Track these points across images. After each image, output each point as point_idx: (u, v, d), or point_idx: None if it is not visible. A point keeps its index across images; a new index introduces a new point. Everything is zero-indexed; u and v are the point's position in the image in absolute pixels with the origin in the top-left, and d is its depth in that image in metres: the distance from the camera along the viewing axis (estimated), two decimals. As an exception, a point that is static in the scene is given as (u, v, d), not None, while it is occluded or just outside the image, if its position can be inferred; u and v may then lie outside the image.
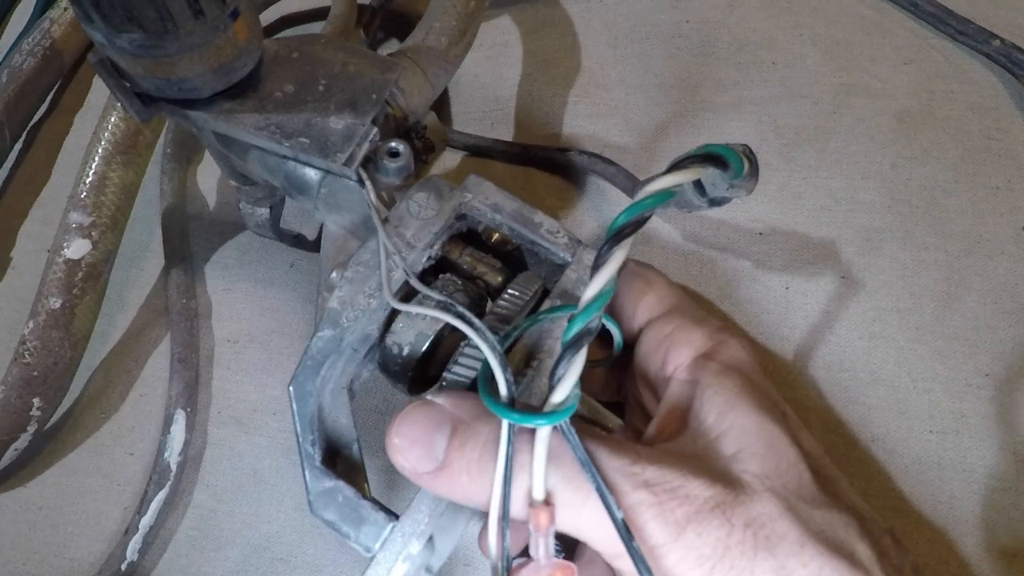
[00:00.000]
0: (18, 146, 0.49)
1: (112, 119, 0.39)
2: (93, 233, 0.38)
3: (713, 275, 0.38)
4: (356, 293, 0.27)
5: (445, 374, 0.25)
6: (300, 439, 0.26)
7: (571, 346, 0.21)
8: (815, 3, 0.45)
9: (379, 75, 0.30)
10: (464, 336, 0.24)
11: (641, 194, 0.22)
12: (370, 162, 0.29)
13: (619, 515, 0.21)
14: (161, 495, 0.36)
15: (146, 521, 0.35)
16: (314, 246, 0.42)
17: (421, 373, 0.27)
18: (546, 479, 0.22)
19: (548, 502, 0.22)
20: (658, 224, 0.40)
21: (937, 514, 0.32)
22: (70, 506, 0.37)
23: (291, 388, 0.26)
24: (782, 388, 0.35)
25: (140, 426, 0.39)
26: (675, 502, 0.22)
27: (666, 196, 0.22)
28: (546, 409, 0.21)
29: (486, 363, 0.23)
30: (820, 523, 0.23)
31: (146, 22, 0.24)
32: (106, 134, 0.39)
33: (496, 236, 0.30)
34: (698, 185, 0.27)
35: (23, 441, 0.37)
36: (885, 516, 0.32)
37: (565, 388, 0.21)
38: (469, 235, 0.30)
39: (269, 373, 0.39)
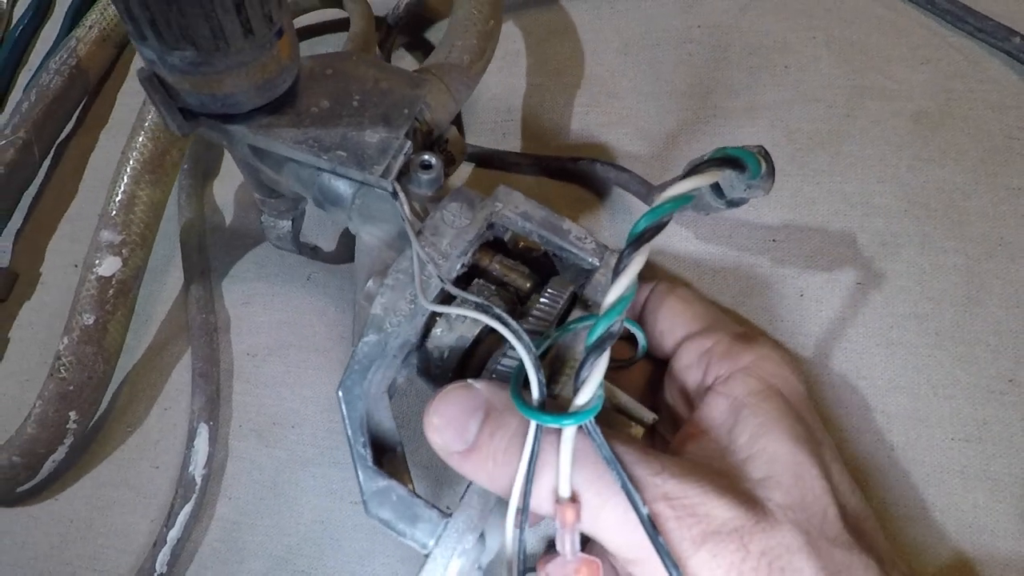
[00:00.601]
0: (46, 163, 0.50)
1: (140, 139, 0.41)
2: (123, 251, 0.40)
3: (727, 282, 0.38)
4: (398, 299, 0.28)
5: (495, 367, 0.27)
6: (352, 442, 0.27)
7: (594, 349, 0.22)
8: (829, 4, 0.44)
9: (409, 91, 0.31)
10: (502, 339, 0.26)
11: (660, 199, 0.23)
12: (403, 175, 0.30)
13: (644, 511, 0.21)
14: (187, 508, 0.36)
15: (174, 534, 0.36)
16: (331, 257, 0.43)
17: (460, 376, 0.28)
18: (572, 478, 0.22)
19: (574, 499, 0.22)
20: (670, 231, 0.40)
21: (961, 524, 0.32)
22: (100, 519, 0.38)
23: (340, 393, 0.27)
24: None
25: (164, 439, 0.40)
26: (693, 519, 0.22)
27: (684, 200, 0.23)
28: (571, 410, 0.22)
29: (519, 366, 0.24)
30: (839, 563, 0.23)
31: (200, 40, 0.25)
32: (134, 154, 0.40)
33: (522, 243, 0.31)
34: (716, 188, 0.27)
35: (60, 453, 0.38)
36: (906, 526, 0.32)
37: (589, 389, 0.22)
38: (496, 243, 0.31)
39: (287, 386, 0.40)
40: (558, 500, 0.22)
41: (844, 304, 0.36)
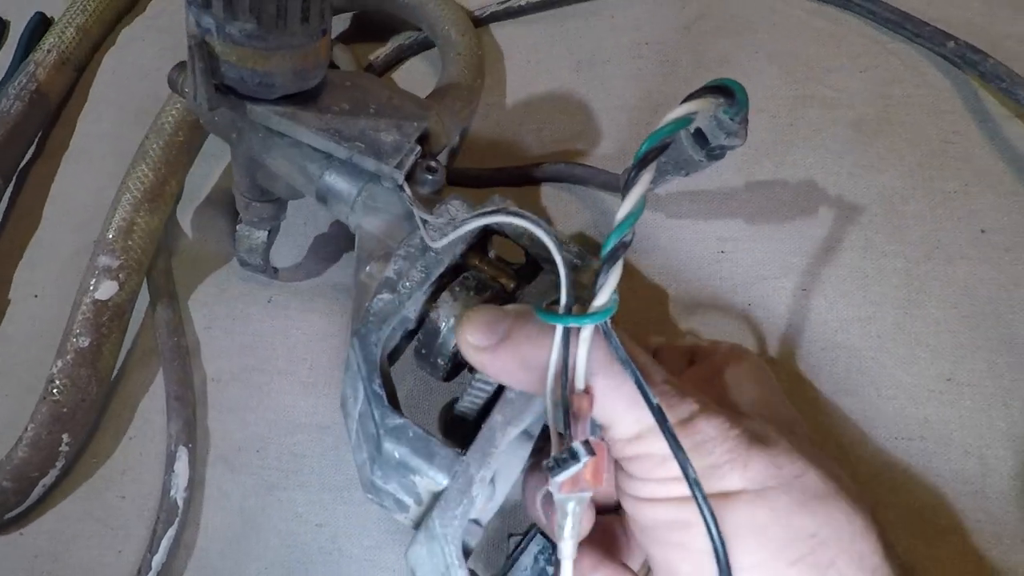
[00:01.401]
0: (9, 189, 0.50)
1: (142, 168, 0.42)
2: (120, 275, 0.41)
3: (676, 294, 0.39)
4: (410, 268, 0.30)
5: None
6: (367, 381, 0.28)
7: (609, 258, 0.24)
8: (772, 19, 0.45)
9: (419, 111, 0.35)
10: None
11: (662, 122, 0.25)
12: (409, 175, 0.33)
13: (655, 401, 0.23)
14: (171, 532, 0.37)
15: (158, 559, 0.36)
16: (292, 275, 0.44)
17: (459, 363, 0.30)
18: (588, 370, 0.24)
19: (588, 391, 0.24)
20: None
21: (906, 521, 0.33)
22: (65, 552, 0.38)
23: (354, 339, 0.29)
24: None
25: (131, 469, 0.40)
26: (690, 399, 0.25)
27: (683, 122, 0.25)
28: (590, 311, 0.24)
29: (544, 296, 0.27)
30: (809, 450, 0.25)
31: (264, 16, 0.29)
32: (135, 183, 0.42)
33: (496, 254, 0.33)
34: (698, 136, 0.29)
35: (51, 477, 0.39)
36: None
37: (606, 292, 0.24)
38: (482, 250, 0.33)
39: (251, 410, 0.40)
40: (573, 391, 0.24)
41: (790, 311, 0.37)
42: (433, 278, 0.30)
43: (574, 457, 0.23)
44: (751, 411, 0.28)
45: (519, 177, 0.43)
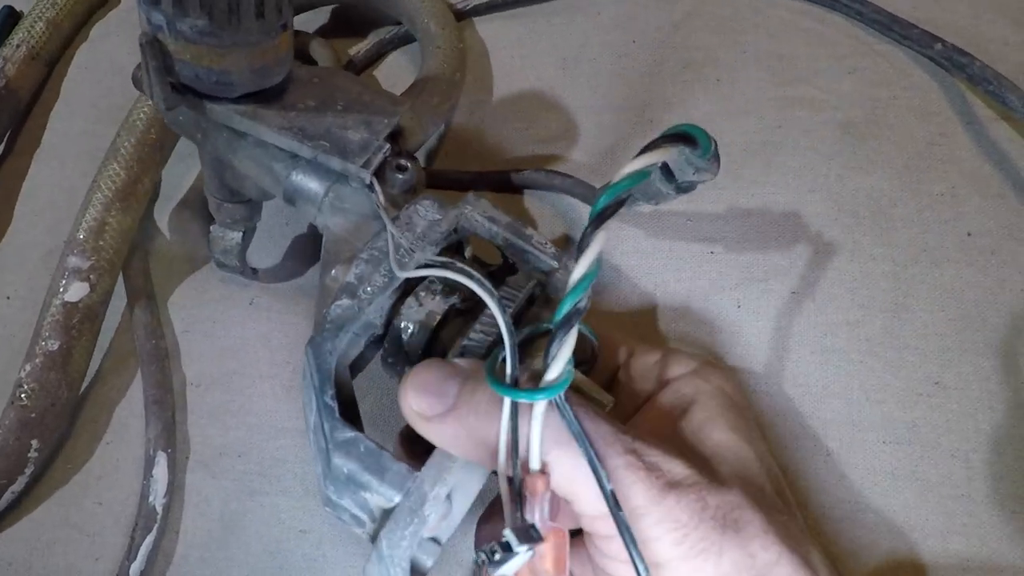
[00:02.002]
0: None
1: (113, 167, 0.41)
2: (92, 276, 0.39)
3: (666, 295, 0.38)
4: (372, 272, 0.29)
5: (464, 342, 0.27)
6: (318, 392, 0.27)
7: (562, 325, 0.22)
8: (757, 20, 0.45)
9: (390, 106, 0.34)
10: (467, 323, 0.27)
11: (618, 176, 0.24)
12: (378, 174, 0.32)
13: (608, 487, 0.22)
14: (149, 539, 0.36)
15: (136, 567, 0.35)
16: (272, 276, 0.43)
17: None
18: (542, 448, 0.23)
19: (544, 471, 0.23)
20: (608, 246, 0.40)
21: (893, 523, 0.33)
22: (40, 560, 0.37)
23: (308, 348, 0.27)
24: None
25: (108, 475, 0.39)
26: (658, 472, 0.24)
27: (641, 176, 0.24)
28: (542, 385, 0.23)
29: (491, 345, 0.26)
30: (780, 521, 0.25)
31: (216, 12, 0.27)
32: (106, 182, 0.41)
33: (472, 253, 0.33)
34: (666, 171, 0.28)
35: (19, 484, 0.37)
36: (843, 527, 0.33)
37: (559, 365, 0.23)
38: (457, 251, 0.32)
39: (232, 415, 0.39)
40: (528, 472, 0.23)
41: (779, 313, 0.37)
42: (397, 283, 0.29)
43: (507, 550, 0.21)
44: (721, 464, 0.26)
45: (499, 183, 0.43)
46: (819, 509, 0.34)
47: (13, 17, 0.55)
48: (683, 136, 0.25)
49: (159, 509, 0.36)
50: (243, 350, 0.41)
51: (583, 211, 0.42)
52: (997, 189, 0.40)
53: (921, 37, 0.44)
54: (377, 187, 0.31)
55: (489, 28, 0.49)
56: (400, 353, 0.29)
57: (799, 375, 0.36)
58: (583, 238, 0.23)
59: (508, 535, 0.21)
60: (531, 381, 0.23)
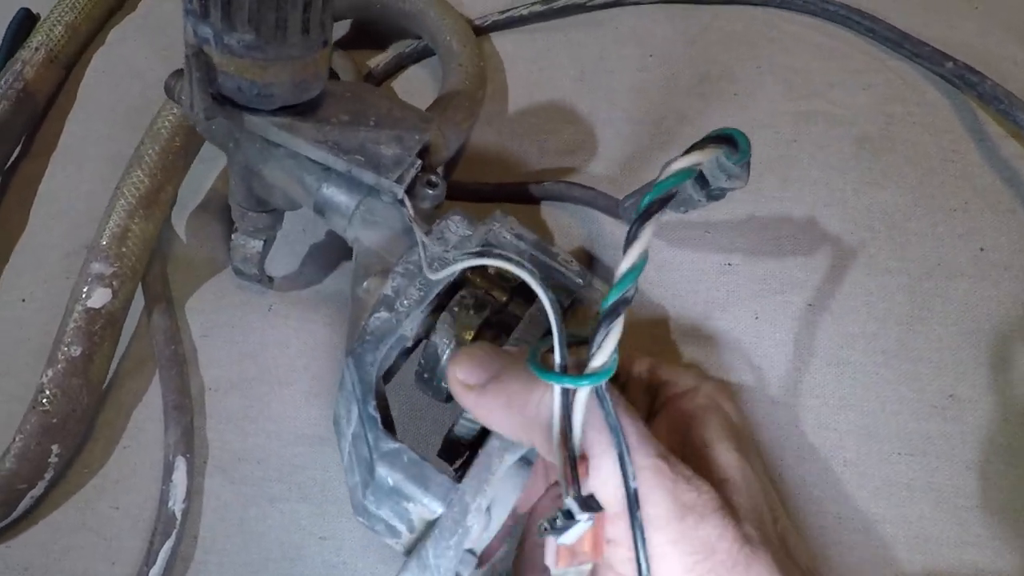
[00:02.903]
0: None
1: (137, 174, 0.41)
2: (114, 283, 0.39)
3: (684, 307, 0.39)
4: (408, 285, 0.30)
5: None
6: (361, 403, 0.27)
7: (609, 314, 0.23)
8: (772, 35, 0.46)
9: (420, 123, 0.35)
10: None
11: (665, 173, 0.25)
12: (409, 189, 0.33)
13: (633, 486, 0.22)
14: (168, 544, 0.36)
15: (155, 571, 0.35)
16: (288, 284, 0.43)
17: None
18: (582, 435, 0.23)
19: (584, 456, 0.23)
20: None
21: (908, 535, 0.33)
22: (56, 565, 0.37)
23: (350, 359, 0.28)
24: (755, 417, 0.36)
25: (125, 479, 0.39)
26: (687, 485, 0.24)
27: (687, 174, 0.25)
28: (587, 372, 0.23)
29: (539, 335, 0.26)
30: (784, 563, 0.25)
31: (263, 27, 0.28)
32: (130, 189, 0.41)
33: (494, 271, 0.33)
34: (699, 179, 0.29)
35: (39, 488, 0.37)
36: (858, 537, 0.34)
37: (605, 352, 0.23)
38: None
39: (251, 421, 0.39)
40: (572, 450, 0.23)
41: (797, 326, 0.38)
42: (431, 297, 0.29)
43: (568, 517, 0.22)
44: (734, 493, 0.26)
45: (518, 194, 0.43)
46: (835, 520, 0.34)
47: (30, 19, 0.55)
48: (725, 138, 0.26)
49: (178, 514, 0.37)
50: (261, 355, 0.41)
51: (599, 222, 0.42)
52: (1008, 205, 0.40)
53: (932, 55, 0.45)
54: (408, 202, 0.32)
55: (507, 42, 0.49)
56: (436, 370, 0.29)
57: (815, 386, 0.36)
58: (630, 232, 0.23)
59: (570, 503, 0.22)
60: (574, 369, 0.24)
